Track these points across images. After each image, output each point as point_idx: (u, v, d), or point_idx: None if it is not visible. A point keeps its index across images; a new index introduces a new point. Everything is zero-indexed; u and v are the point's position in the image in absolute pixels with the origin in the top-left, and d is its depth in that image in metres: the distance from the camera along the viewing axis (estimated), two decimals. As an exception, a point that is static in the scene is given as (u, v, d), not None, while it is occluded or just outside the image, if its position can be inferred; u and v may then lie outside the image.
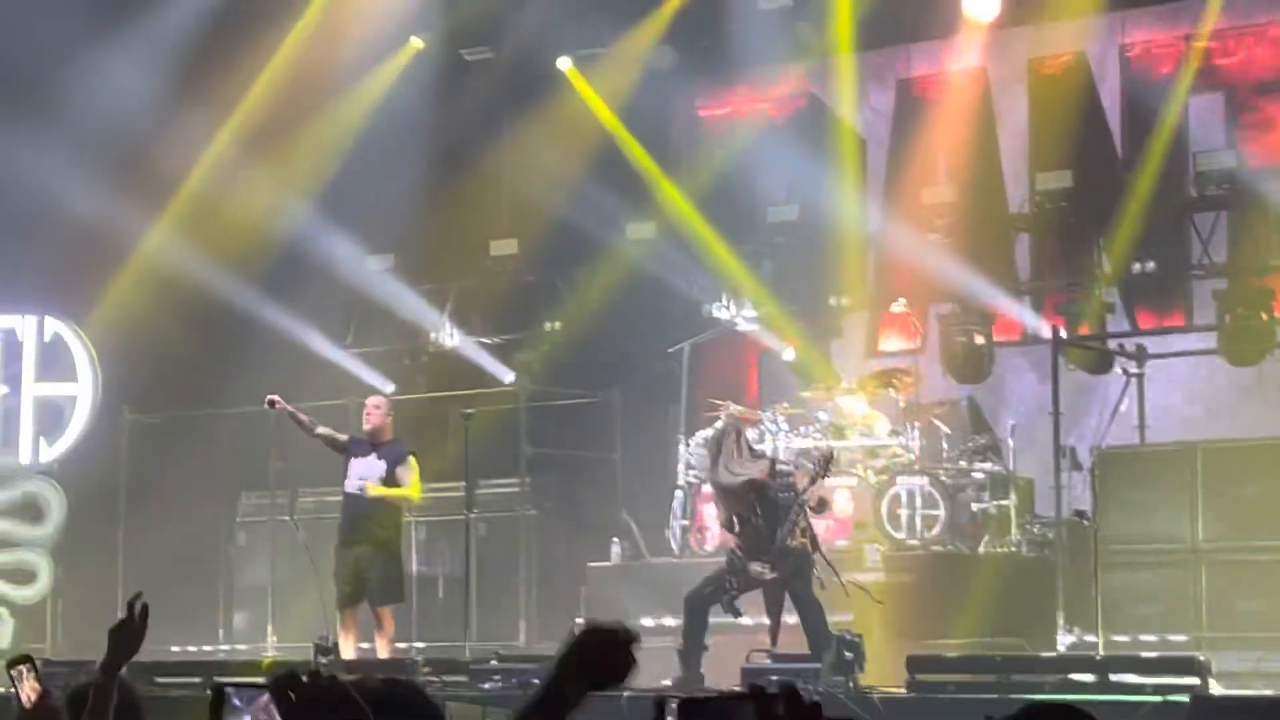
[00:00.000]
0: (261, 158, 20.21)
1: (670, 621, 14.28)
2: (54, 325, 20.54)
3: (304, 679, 3.43)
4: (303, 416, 16.18)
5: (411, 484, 15.87)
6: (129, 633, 5.60)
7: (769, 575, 13.74)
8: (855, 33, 19.16)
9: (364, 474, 15.85)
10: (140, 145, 20.02)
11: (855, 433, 17.74)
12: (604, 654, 3.99)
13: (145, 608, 5.59)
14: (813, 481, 13.98)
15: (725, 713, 3.34)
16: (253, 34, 20.24)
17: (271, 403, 15.97)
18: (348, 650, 15.55)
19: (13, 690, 6.87)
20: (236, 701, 3.42)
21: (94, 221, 19.55)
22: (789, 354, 19.45)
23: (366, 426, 16.01)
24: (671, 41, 20.06)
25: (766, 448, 17.12)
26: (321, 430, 16.15)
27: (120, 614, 5.62)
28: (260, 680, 3.46)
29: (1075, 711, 4.32)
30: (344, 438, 16.19)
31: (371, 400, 16.47)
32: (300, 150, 20.36)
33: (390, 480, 15.81)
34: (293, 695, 3.39)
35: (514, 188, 20.83)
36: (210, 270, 19.93)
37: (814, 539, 14.09)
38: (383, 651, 15.71)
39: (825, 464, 14.30)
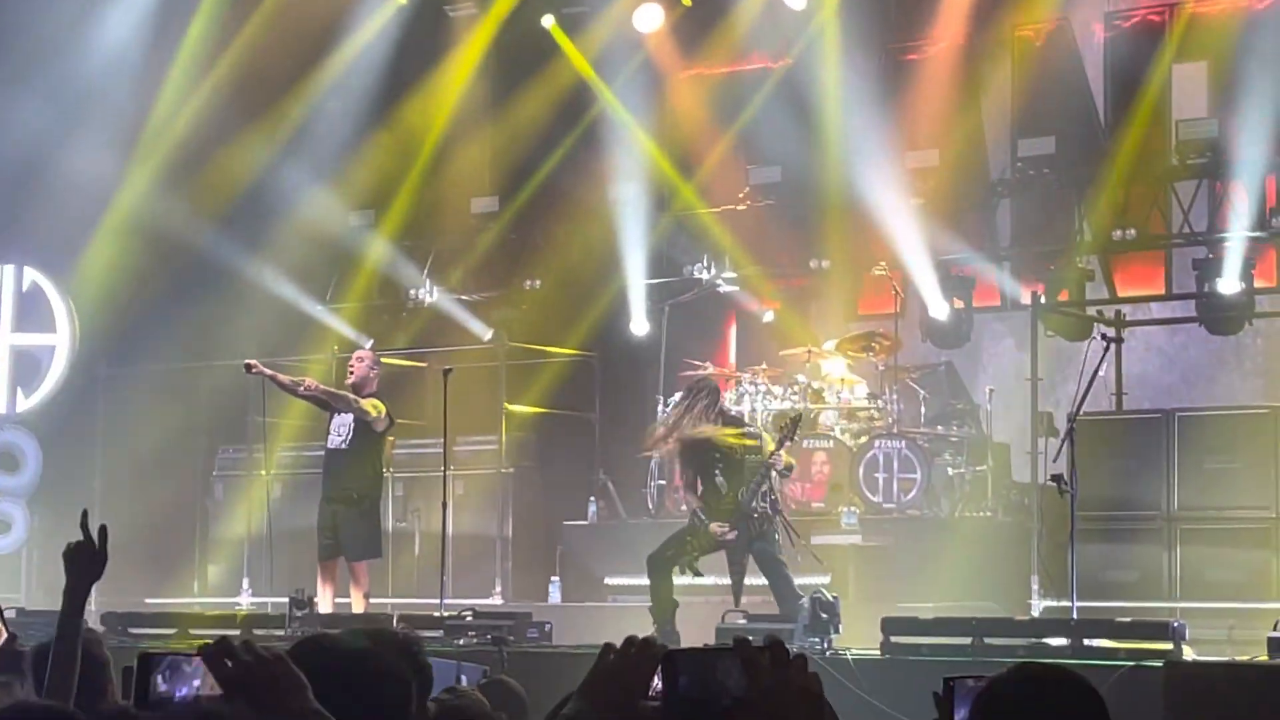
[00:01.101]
0: (244, 111, 20.15)
1: (645, 582, 14.29)
2: (32, 275, 20.50)
3: (238, 646, 3.44)
4: (283, 378, 16.07)
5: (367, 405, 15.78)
6: (88, 555, 5.47)
7: (729, 536, 13.80)
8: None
9: (340, 429, 15.87)
10: (124, 97, 19.98)
11: (833, 395, 17.77)
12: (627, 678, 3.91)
13: (104, 528, 5.45)
14: (780, 445, 13.99)
15: (710, 666, 3.34)
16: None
17: (249, 367, 15.84)
18: (325, 604, 15.58)
19: None
20: (164, 671, 3.43)
21: (75, 173, 19.50)
22: (768, 316, 19.45)
23: (348, 380, 15.96)
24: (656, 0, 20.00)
25: (744, 409, 17.14)
26: (305, 391, 16.04)
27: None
28: (189, 650, 3.47)
29: (1069, 674, 4.35)
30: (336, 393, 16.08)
31: (356, 353, 16.42)
32: (283, 104, 20.30)
33: (360, 431, 15.77)
34: (228, 663, 3.41)
35: (496, 145, 20.78)
36: (192, 224, 19.88)
37: (774, 502, 14.13)
38: (358, 606, 15.73)
39: (793, 427, 14.32)
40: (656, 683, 3.85)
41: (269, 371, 15.89)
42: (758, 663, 3.28)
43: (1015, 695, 4.20)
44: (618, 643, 3.96)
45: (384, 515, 17.24)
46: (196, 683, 3.44)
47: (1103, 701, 4.23)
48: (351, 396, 15.72)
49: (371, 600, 16.07)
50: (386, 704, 4.06)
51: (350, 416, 15.77)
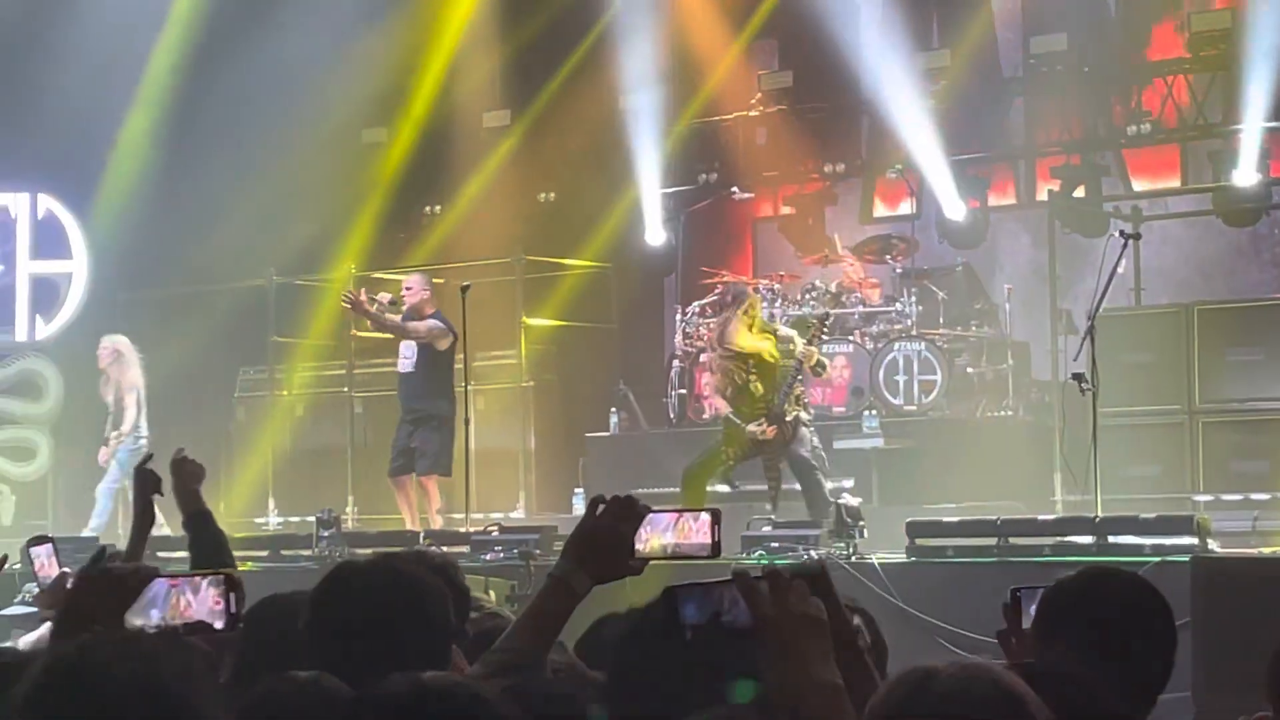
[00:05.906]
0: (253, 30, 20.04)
1: (669, 491, 14.31)
2: (47, 202, 20.49)
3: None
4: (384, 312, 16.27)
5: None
6: (187, 470, 6.30)
7: (767, 434, 13.77)
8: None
9: (407, 353, 16.09)
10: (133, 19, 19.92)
11: (851, 299, 17.75)
12: (609, 539, 3.97)
13: (158, 479, 6.27)
14: (810, 343, 13.97)
15: (714, 597, 3.35)
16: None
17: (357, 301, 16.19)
18: (408, 521, 16.00)
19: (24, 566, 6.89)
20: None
21: (89, 99, 19.42)
22: (784, 222, 19.39)
23: (403, 307, 16.20)
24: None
25: (763, 315, 17.11)
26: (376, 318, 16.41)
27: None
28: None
29: (1134, 576, 4.40)
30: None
31: (406, 280, 16.60)
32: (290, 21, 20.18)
33: (425, 355, 15.92)
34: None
35: (506, 58, 20.69)
36: (205, 145, 19.81)
37: (806, 405, 14.16)
38: (432, 522, 15.94)
39: (821, 325, 14.30)
40: (640, 535, 4.00)
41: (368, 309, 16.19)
42: (757, 592, 3.28)
43: (1080, 596, 4.26)
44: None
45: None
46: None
47: (1166, 601, 4.28)
48: (410, 327, 15.95)
49: (439, 515, 16.26)
50: (429, 622, 4.07)
51: (414, 344, 16.03)
